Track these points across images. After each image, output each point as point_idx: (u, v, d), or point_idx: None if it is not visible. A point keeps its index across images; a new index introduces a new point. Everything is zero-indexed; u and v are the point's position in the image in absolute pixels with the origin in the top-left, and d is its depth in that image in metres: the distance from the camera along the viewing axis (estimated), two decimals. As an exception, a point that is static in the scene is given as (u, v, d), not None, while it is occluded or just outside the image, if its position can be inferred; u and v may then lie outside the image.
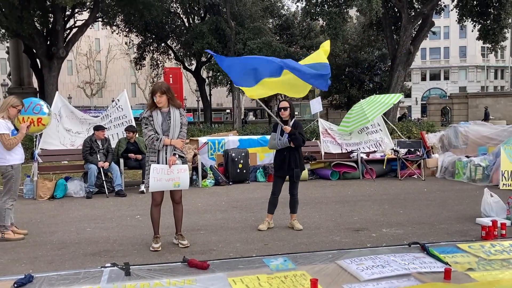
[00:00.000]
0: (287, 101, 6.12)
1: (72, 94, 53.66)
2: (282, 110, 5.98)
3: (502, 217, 6.13)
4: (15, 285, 3.86)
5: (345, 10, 18.54)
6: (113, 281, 4.04)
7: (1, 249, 5.30)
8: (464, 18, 24.60)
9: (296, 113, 8.92)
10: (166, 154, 5.08)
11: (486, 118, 27.70)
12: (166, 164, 5.05)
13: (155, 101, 5.03)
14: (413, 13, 22.16)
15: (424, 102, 52.85)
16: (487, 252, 4.78)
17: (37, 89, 24.75)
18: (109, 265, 4.35)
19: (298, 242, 5.39)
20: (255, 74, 5.99)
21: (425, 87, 64.50)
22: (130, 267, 4.25)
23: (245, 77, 6.06)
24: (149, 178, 5.02)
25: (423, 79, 65.15)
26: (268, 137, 10.90)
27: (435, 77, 65.04)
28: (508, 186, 8.90)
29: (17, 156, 5.68)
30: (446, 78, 64.24)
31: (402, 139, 12.07)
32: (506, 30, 22.94)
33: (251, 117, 57.82)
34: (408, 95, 61.52)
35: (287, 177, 6.05)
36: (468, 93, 38.55)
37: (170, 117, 5.10)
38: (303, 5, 19.91)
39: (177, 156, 5.10)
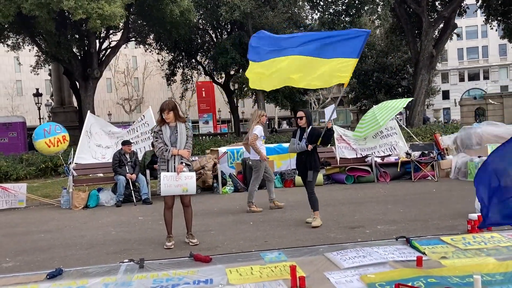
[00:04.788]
0: (303, 110, 6.95)
1: (112, 111, 55.87)
2: (299, 119, 6.78)
3: (494, 212, 6.45)
4: (48, 277, 4.66)
5: (357, 20, 19.00)
6: (128, 272, 4.76)
7: (38, 250, 6.14)
8: (491, 17, 24.48)
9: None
10: (174, 163, 5.79)
11: None
12: (174, 172, 5.76)
13: (163, 117, 5.78)
14: (436, 16, 22.26)
15: (464, 103, 51.60)
16: (466, 243, 5.18)
17: (77, 108, 26.30)
18: (126, 260, 5.10)
19: (296, 238, 5.94)
20: (270, 51, 6.46)
21: (464, 88, 62.91)
22: (144, 261, 4.97)
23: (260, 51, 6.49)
24: (160, 184, 5.75)
25: (462, 79, 63.64)
26: (285, 145, 11.51)
27: (474, 77, 63.39)
28: None
29: (257, 156, 7.91)
30: (486, 77, 62.44)
31: (416, 142, 12.36)
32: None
33: (284, 125, 58.14)
34: (446, 97, 60.37)
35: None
36: (502, 92, 37.61)
37: (177, 131, 5.82)
38: (318, 16, 20.52)
39: (184, 164, 5.80)
